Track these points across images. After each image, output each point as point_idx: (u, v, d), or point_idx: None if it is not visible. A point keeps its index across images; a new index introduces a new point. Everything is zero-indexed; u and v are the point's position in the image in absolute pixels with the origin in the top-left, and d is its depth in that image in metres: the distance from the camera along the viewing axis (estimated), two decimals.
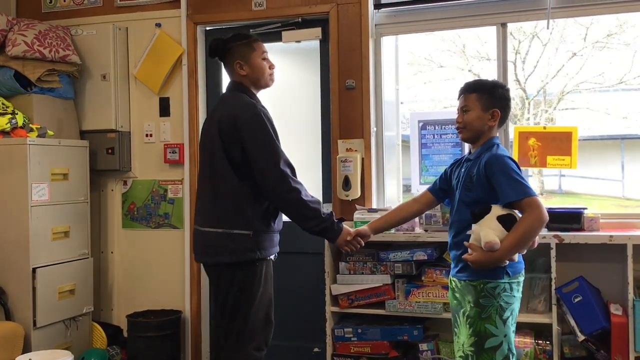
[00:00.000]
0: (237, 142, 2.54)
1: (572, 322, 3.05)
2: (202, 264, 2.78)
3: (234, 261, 2.55)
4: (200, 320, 4.12)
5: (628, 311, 2.96)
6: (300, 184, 2.57)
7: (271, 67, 2.75)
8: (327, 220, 2.61)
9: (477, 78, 2.62)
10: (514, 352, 2.38)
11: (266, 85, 2.76)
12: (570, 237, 3.08)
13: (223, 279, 2.60)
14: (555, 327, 3.07)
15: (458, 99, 2.51)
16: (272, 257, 2.68)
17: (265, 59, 2.72)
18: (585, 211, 3.23)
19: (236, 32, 2.84)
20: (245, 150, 2.53)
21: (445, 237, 3.22)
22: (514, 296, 2.37)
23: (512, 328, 2.38)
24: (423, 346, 3.34)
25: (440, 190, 2.67)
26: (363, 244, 2.76)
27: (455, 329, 2.46)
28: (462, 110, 2.47)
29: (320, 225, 2.60)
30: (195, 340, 4.11)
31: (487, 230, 2.24)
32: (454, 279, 2.47)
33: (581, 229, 3.17)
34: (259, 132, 2.54)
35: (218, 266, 2.60)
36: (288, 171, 2.55)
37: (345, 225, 2.76)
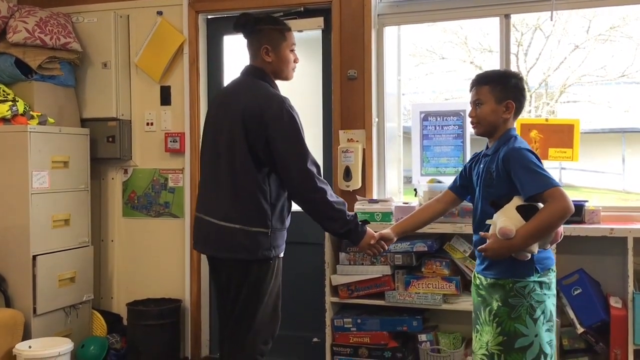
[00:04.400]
0: (262, 137, 2.43)
1: (572, 315, 3.05)
2: (209, 257, 2.69)
3: (249, 259, 2.48)
4: (200, 309, 4.14)
5: (628, 304, 2.97)
6: (326, 183, 2.50)
7: (296, 60, 2.65)
8: (351, 223, 2.54)
9: (488, 69, 2.50)
10: (548, 351, 2.26)
11: (286, 78, 2.65)
12: (570, 229, 3.07)
13: (234, 275, 2.53)
14: (555, 319, 3.06)
15: (470, 91, 2.41)
16: (282, 253, 2.62)
17: (293, 51, 2.62)
18: (586, 204, 3.22)
19: (269, 14, 2.69)
20: (270, 146, 2.43)
21: (446, 228, 3.25)
22: (545, 294, 2.26)
23: (546, 327, 2.26)
24: (422, 337, 3.36)
25: (461, 188, 2.57)
26: (387, 248, 2.67)
27: (477, 326, 2.36)
28: (475, 103, 2.36)
29: (345, 228, 2.53)
30: (195, 329, 4.12)
31: (504, 219, 2.17)
32: (480, 275, 2.37)
33: (582, 222, 3.17)
34: (288, 129, 2.44)
35: (231, 262, 2.52)
36: (314, 170, 2.46)
37: (369, 227, 2.66)
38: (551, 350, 2.28)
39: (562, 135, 3.39)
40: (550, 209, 2.12)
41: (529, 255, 2.21)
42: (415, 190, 3.53)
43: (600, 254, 3.24)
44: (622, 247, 3.02)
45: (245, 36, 2.62)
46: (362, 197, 3.61)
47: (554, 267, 2.34)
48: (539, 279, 2.24)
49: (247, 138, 2.45)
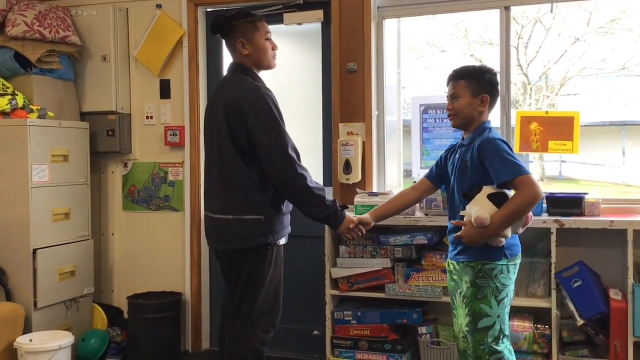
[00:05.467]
0: (243, 127, 2.50)
1: (571, 307, 3.06)
2: (213, 251, 2.76)
3: (246, 247, 2.53)
4: (201, 302, 4.14)
5: (627, 296, 2.97)
6: (305, 170, 2.55)
7: (274, 48, 2.70)
8: (330, 208, 2.60)
9: (463, 65, 2.64)
10: (507, 333, 2.42)
11: (268, 67, 2.70)
12: (570, 221, 3.08)
13: (235, 264, 2.58)
14: (555, 312, 3.07)
15: (447, 85, 2.54)
16: (283, 241, 2.66)
17: (268, 39, 2.67)
18: (586, 196, 3.22)
19: (240, 10, 2.77)
20: (251, 135, 2.50)
21: (445, 221, 3.24)
22: (510, 278, 2.42)
23: (507, 309, 2.43)
24: (422, 329, 3.36)
25: (437, 177, 2.72)
26: (364, 232, 2.77)
27: (454, 311, 2.51)
28: (452, 97, 2.51)
29: (324, 213, 2.59)
30: (195, 322, 4.13)
31: (478, 208, 2.30)
32: (452, 261, 2.52)
33: (582, 214, 3.17)
34: (265, 116, 2.50)
35: (230, 252, 2.58)
36: (294, 156, 2.52)
37: (348, 212, 2.74)
38: (509, 331, 2.45)
39: (562, 127, 3.39)
40: (521, 195, 2.27)
41: (503, 241, 2.34)
42: (414, 182, 3.53)
43: (600, 246, 3.25)
44: (622, 239, 3.02)
45: (222, 36, 2.69)
46: (361, 190, 3.61)
47: (520, 255, 2.49)
48: (507, 263, 2.40)
49: (230, 130, 2.52)
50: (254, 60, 2.64)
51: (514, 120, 3.47)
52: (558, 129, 3.38)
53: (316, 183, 2.60)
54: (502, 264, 2.38)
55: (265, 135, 2.49)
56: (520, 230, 2.44)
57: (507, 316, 2.44)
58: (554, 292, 3.07)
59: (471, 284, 2.39)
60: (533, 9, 4.33)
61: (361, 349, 3.39)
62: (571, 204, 3.18)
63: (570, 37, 4.98)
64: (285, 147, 2.49)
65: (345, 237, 2.85)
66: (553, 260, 3.07)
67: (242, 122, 2.50)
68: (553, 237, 3.06)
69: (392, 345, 3.34)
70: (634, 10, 4.29)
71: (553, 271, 3.08)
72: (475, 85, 2.47)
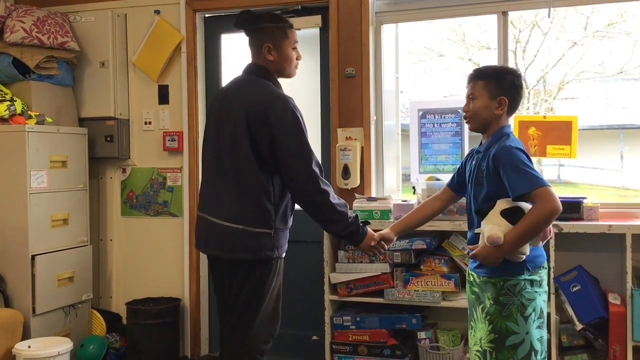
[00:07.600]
0: (266, 137, 2.42)
1: (571, 311, 3.06)
2: (211, 257, 2.68)
3: (253, 259, 2.48)
4: (200, 308, 4.14)
5: (626, 300, 2.97)
6: (329, 185, 2.49)
7: (298, 57, 2.64)
8: (352, 225, 2.54)
9: (487, 64, 2.50)
10: (538, 348, 2.27)
11: (289, 76, 2.64)
12: (569, 226, 3.08)
13: (238, 275, 2.52)
14: (554, 316, 3.07)
15: (466, 86, 2.41)
16: (284, 254, 2.61)
17: (295, 48, 2.61)
18: (585, 201, 3.22)
19: (270, 11, 2.67)
20: (275, 146, 2.42)
21: (445, 226, 3.26)
22: (536, 292, 2.27)
23: (537, 324, 2.28)
24: (421, 334, 3.36)
25: (458, 185, 2.57)
26: (387, 248, 2.69)
27: (472, 323, 2.39)
28: (469, 98, 2.37)
29: (346, 230, 2.54)
30: (194, 328, 4.12)
31: (491, 226, 2.17)
32: (473, 273, 2.39)
33: (580, 219, 3.17)
34: (292, 130, 2.43)
35: (234, 262, 2.52)
36: (318, 172, 2.45)
37: (370, 228, 2.67)
38: (541, 347, 2.30)
39: (560, 132, 3.39)
40: (538, 210, 2.12)
41: (523, 257, 2.21)
42: (413, 188, 3.54)
43: (598, 250, 3.25)
44: (620, 243, 3.03)
45: (247, 34, 2.60)
46: (360, 195, 3.61)
47: (546, 264, 2.35)
48: (530, 277, 2.26)
49: (251, 137, 2.43)
50: (277, 67, 2.57)
51: (512, 125, 3.47)
52: (556, 133, 3.38)
53: (339, 199, 2.54)
54: (525, 279, 2.24)
55: (290, 148, 2.42)
56: (540, 244, 2.30)
57: (537, 331, 2.27)
58: (553, 297, 3.07)
59: (494, 301, 2.25)
60: (530, 13, 4.35)
61: (360, 354, 3.38)
62: (569, 208, 3.16)
63: (567, 41, 5.00)
64: (309, 162, 2.43)
65: (366, 254, 2.78)
66: (552, 264, 3.07)
67: (266, 132, 2.42)
68: (551, 242, 3.06)
69: (392, 351, 3.33)
70: (631, 15, 4.30)
71: (552, 276, 3.07)
72: (494, 86, 2.31)
